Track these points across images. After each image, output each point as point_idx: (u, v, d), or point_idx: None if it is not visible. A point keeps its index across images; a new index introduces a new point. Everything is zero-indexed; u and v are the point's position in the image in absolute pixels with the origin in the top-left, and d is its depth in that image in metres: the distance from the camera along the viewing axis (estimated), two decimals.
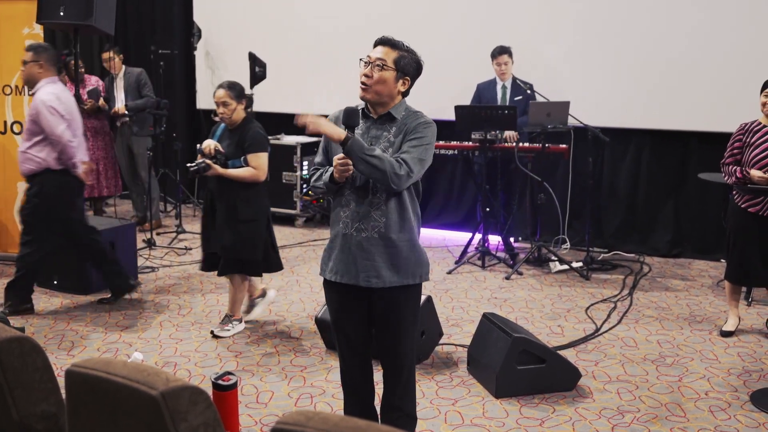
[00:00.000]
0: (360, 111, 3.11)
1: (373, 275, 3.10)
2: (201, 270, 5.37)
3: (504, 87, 7.17)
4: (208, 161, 4.85)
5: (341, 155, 3.00)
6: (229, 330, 5.19)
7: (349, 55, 8.33)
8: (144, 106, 7.94)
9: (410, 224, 3.16)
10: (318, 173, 3.23)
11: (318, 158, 3.29)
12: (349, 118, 3.04)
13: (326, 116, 3.23)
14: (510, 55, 7.05)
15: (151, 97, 8.06)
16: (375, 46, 3.12)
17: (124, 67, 8.09)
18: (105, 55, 7.98)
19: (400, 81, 3.08)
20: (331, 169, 3.08)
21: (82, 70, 7.72)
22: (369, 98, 3.09)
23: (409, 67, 3.08)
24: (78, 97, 6.35)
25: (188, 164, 4.92)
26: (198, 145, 5.04)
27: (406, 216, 3.13)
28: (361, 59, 3.10)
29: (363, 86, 3.07)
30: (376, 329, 3.26)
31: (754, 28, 6.85)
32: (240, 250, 4.96)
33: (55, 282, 6.04)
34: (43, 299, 5.87)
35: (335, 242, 3.18)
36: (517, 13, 7.69)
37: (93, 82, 7.97)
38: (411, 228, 3.17)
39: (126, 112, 7.82)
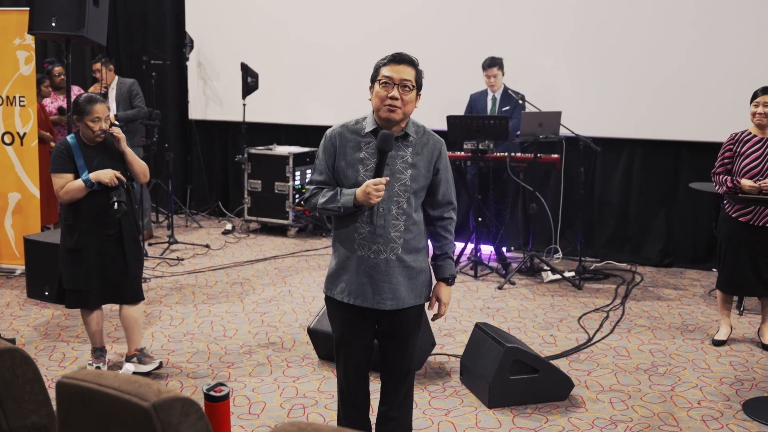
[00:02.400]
0: (392, 133, 3.00)
1: (389, 297, 3.08)
2: (68, 307, 4.61)
3: (494, 98, 7.20)
4: (122, 190, 4.43)
5: (377, 180, 2.94)
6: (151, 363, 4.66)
7: (341, 66, 8.41)
8: (135, 117, 7.93)
9: (423, 244, 3.17)
10: (326, 194, 3.09)
11: (319, 176, 3.14)
12: (384, 143, 2.96)
13: (321, 127, 3.21)
14: (500, 67, 7.08)
15: (142, 107, 8.04)
16: (391, 63, 3.00)
17: (116, 77, 8.08)
18: (97, 66, 7.96)
19: (418, 97, 3.07)
20: (351, 191, 3.00)
21: (62, 78, 7.68)
22: (396, 119, 3.00)
23: (421, 81, 3.07)
24: (68, 107, 6.33)
25: (115, 207, 4.32)
26: (94, 183, 4.35)
27: (420, 237, 3.13)
28: (380, 80, 3.00)
29: (391, 109, 2.97)
30: (383, 344, 3.25)
31: (744, 39, 6.90)
32: (140, 269, 4.69)
33: (47, 293, 6.01)
34: (34, 310, 5.85)
35: (348, 263, 3.11)
36: (510, 25, 7.72)
37: (75, 91, 7.92)
38: (424, 248, 3.17)
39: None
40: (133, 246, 4.57)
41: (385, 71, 3.00)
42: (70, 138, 4.47)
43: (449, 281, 3.21)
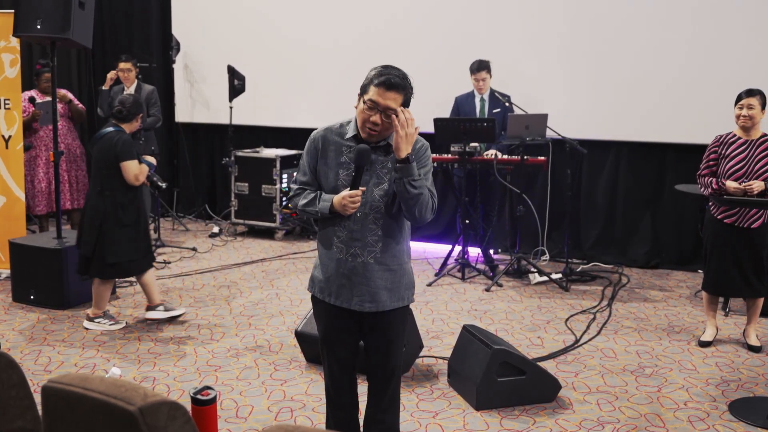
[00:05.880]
0: (369, 149, 2.99)
1: (368, 300, 3.08)
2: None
3: (482, 100, 7.21)
4: None
5: (353, 192, 2.93)
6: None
7: (328, 69, 8.40)
8: (153, 125, 7.93)
9: (403, 247, 3.15)
10: (308, 196, 3.11)
11: (303, 177, 3.16)
12: (360, 159, 2.95)
13: (309, 130, 3.19)
14: (488, 70, 7.09)
15: (158, 117, 8.03)
16: (381, 87, 2.92)
17: (136, 81, 8.04)
18: (124, 65, 7.89)
19: None
20: (329, 197, 3.01)
21: (48, 84, 7.62)
22: (374, 141, 3.00)
23: (410, 101, 3.02)
24: (54, 110, 6.29)
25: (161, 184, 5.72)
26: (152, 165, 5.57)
27: (400, 240, 3.12)
28: (364, 101, 2.95)
29: (371, 133, 2.96)
30: (366, 345, 3.25)
31: (729, 43, 6.94)
32: None
33: (32, 297, 5.98)
34: (19, 314, 5.81)
35: (328, 265, 3.12)
36: (496, 27, 7.74)
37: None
38: (404, 251, 3.16)
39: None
40: None
41: (373, 93, 2.93)
42: None
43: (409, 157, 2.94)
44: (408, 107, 3.00)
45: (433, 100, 7.43)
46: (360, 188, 2.97)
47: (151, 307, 5.59)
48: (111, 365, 4.79)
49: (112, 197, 5.26)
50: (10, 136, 6.69)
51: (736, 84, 5.58)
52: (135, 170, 5.26)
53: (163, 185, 5.73)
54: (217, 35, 9.12)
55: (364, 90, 2.99)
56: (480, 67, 7.09)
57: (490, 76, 7.14)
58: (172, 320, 5.66)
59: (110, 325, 5.51)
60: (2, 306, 6.02)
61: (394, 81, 2.92)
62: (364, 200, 3.02)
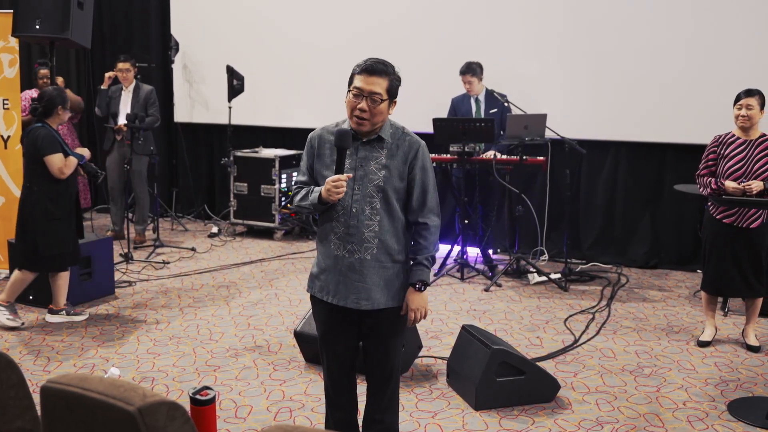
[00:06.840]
0: (351, 133, 3.04)
1: (363, 297, 3.09)
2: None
3: (477, 100, 7.21)
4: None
5: (335, 177, 2.96)
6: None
7: (327, 69, 8.40)
8: (150, 125, 7.92)
9: (401, 246, 3.15)
10: (303, 192, 3.16)
11: (302, 177, 3.21)
12: (341, 140, 2.98)
13: (308, 130, 3.21)
14: (474, 74, 7.07)
15: (157, 117, 8.03)
16: (363, 73, 3.00)
17: (135, 81, 8.04)
18: (122, 65, 7.91)
19: (391, 105, 3.07)
20: (319, 188, 3.04)
21: (44, 81, 7.65)
22: (364, 130, 3.03)
23: (397, 89, 3.06)
24: None
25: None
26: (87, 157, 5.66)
27: (397, 239, 3.12)
28: (350, 90, 3.02)
29: (359, 120, 3.00)
30: (365, 345, 3.25)
31: (729, 43, 6.95)
32: None
33: (31, 297, 5.97)
34: (18, 314, 5.80)
35: (326, 262, 3.14)
36: (496, 27, 7.74)
37: None
38: (402, 250, 3.16)
39: (124, 129, 7.75)
40: None
41: (357, 81, 3.01)
42: None
43: (416, 286, 3.15)
44: (396, 95, 3.07)
45: (433, 100, 7.45)
46: (346, 174, 2.99)
47: (54, 311, 5.64)
48: (110, 365, 4.79)
49: (40, 191, 5.34)
50: (9, 136, 6.68)
51: (735, 84, 5.58)
52: (58, 164, 5.27)
53: (101, 174, 5.81)
54: (216, 35, 9.11)
55: (350, 81, 3.06)
56: (466, 70, 7.08)
57: (479, 80, 7.12)
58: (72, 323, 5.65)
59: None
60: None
61: (376, 67, 3.01)
62: (360, 195, 3.04)
